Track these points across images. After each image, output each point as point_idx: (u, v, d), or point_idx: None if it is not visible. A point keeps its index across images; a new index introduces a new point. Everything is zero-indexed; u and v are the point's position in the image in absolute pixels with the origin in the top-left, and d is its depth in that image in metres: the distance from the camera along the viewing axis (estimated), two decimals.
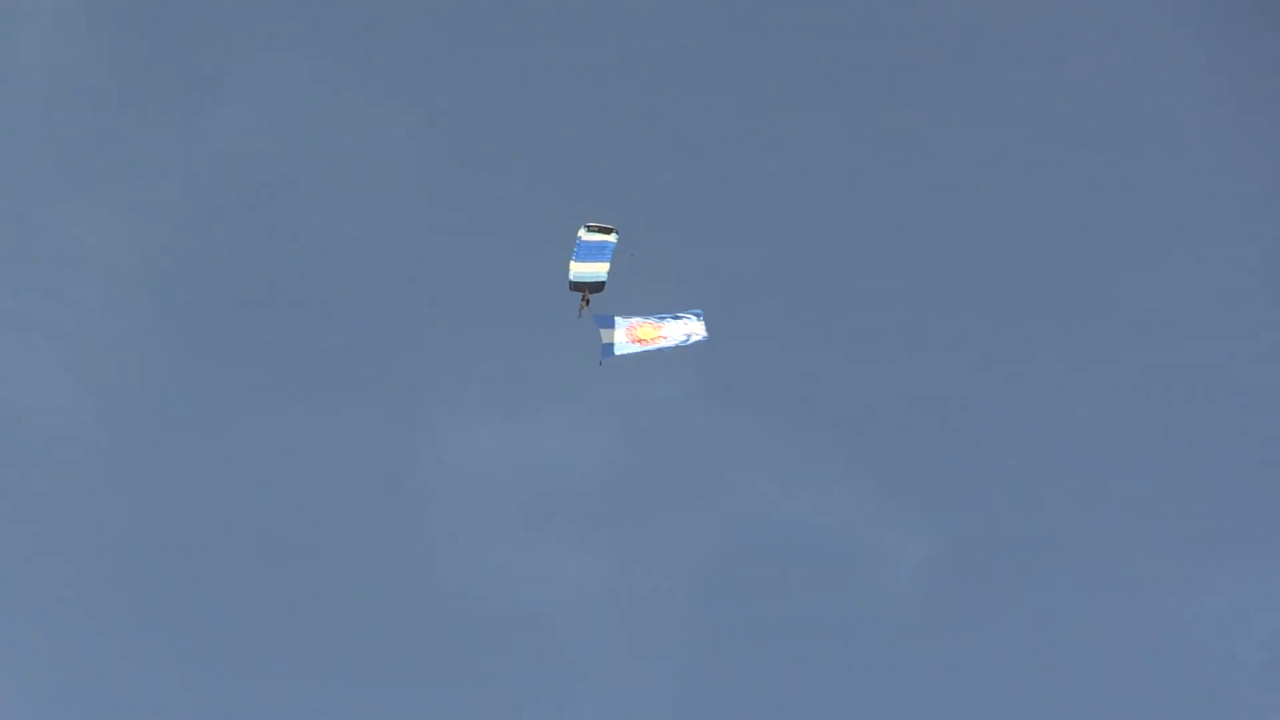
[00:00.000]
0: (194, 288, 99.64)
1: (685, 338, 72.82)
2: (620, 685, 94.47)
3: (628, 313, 72.41)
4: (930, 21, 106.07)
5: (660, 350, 72.46)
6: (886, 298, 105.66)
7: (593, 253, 71.39)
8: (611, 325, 72.10)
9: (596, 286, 71.77)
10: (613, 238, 71.43)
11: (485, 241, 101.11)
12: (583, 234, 71.27)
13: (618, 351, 71.88)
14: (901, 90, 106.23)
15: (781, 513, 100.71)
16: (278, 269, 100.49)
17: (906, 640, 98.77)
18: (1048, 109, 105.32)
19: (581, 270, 71.53)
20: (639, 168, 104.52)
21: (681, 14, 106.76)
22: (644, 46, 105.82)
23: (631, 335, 72.20)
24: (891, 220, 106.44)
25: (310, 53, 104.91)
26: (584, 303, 72.15)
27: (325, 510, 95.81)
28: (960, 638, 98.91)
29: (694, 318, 73.33)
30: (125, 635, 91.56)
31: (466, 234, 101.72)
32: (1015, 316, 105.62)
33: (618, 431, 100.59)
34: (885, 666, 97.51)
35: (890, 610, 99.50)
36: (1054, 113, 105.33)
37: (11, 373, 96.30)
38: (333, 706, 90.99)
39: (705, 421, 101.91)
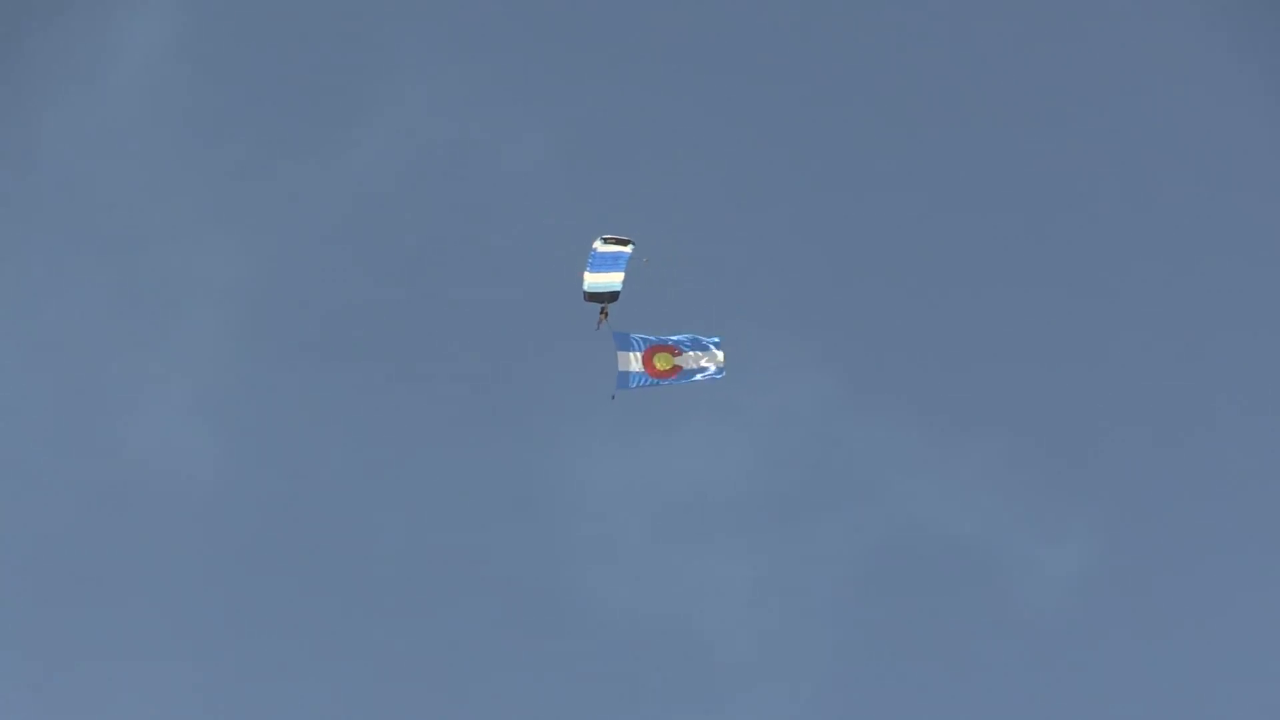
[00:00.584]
0: (323, 318, 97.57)
1: (703, 372, 71.79)
2: (766, 694, 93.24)
3: (645, 329, 71.43)
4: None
5: (676, 385, 71.21)
6: (1040, 296, 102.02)
7: (607, 263, 70.35)
8: (629, 347, 69.87)
9: (611, 296, 71.10)
10: (629, 249, 70.77)
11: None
12: (598, 245, 70.05)
13: (634, 384, 70.28)
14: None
15: (929, 519, 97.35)
16: (407, 295, 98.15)
17: (1055, 654, 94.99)
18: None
19: (596, 280, 70.30)
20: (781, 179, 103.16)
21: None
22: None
23: (649, 365, 70.79)
24: (1039, 219, 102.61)
25: (445, 78, 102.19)
26: (603, 315, 71.08)
27: (467, 532, 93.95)
28: (1112, 654, 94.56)
29: (713, 347, 71.98)
30: (273, 655, 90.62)
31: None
32: (1176, 317, 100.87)
33: (760, 440, 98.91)
34: (1033, 679, 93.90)
35: (1040, 622, 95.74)
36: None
37: (134, 408, 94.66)
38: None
39: (850, 427, 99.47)
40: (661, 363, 70.26)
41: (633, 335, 70.31)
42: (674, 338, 70.76)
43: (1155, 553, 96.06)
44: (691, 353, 70.61)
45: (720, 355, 70.64)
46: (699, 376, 70.50)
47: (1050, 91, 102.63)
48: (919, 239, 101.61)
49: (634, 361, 70.02)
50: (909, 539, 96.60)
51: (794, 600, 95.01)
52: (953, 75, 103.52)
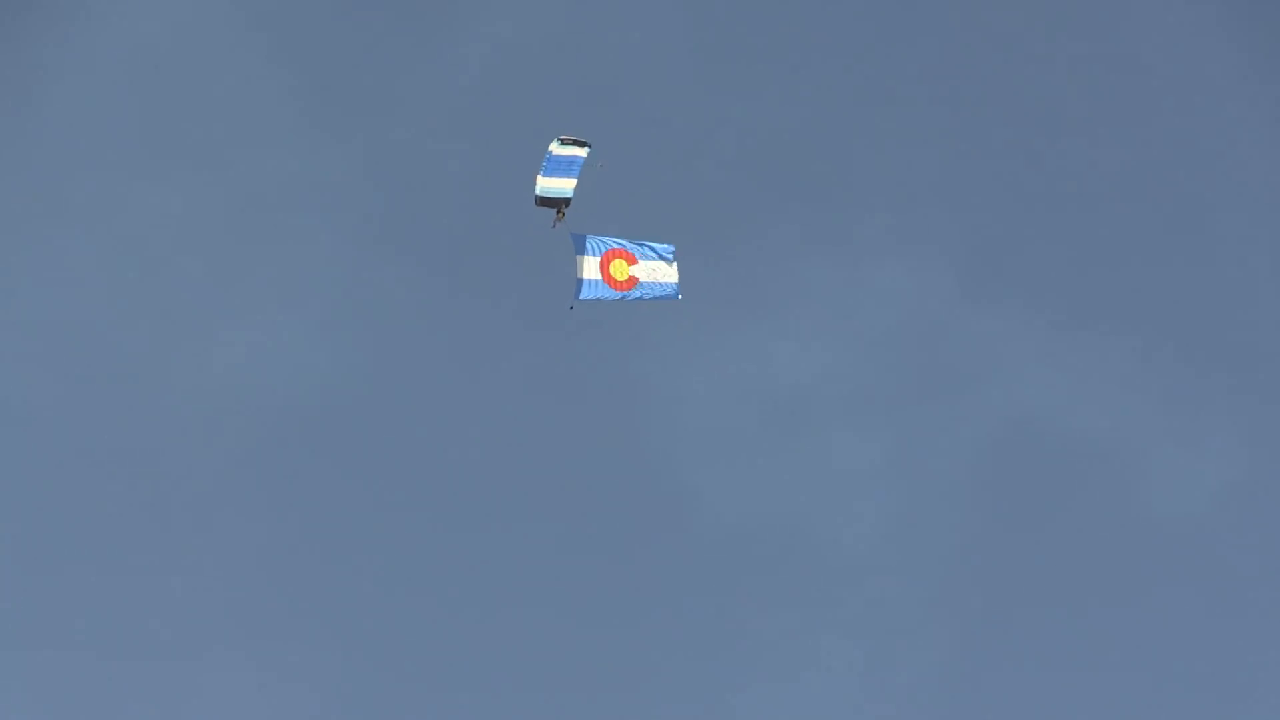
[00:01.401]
0: (435, 221, 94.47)
1: (658, 288, 68.84)
2: (884, 589, 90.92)
3: (600, 231, 69.78)
4: None
5: (633, 299, 69.54)
6: (1184, 185, 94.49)
7: (562, 167, 68.17)
8: (586, 250, 67.88)
9: (564, 202, 69.66)
10: (584, 152, 68.49)
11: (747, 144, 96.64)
12: (554, 148, 67.50)
13: (590, 294, 68.10)
14: None
15: (1058, 416, 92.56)
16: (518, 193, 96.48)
17: (1193, 563, 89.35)
18: None
19: (548, 185, 68.00)
20: None
21: None
22: None
23: (605, 273, 68.23)
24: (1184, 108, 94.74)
25: None
26: (559, 215, 69.80)
27: (585, 433, 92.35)
28: (1253, 570, 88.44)
29: (669, 258, 68.71)
30: (391, 555, 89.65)
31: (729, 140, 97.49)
32: None
33: (876, 328, 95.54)
34: (1164, 587, 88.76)
35: (1176, 528, 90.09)
36: None
37: (245, 319, 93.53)
38: (600, 625, 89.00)
39: (975, 316, 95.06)
40: (618, 271, 68.88)
41: (589, 238, 69.03)
42: (631, 242, 69.27)
43: None
44: (647, 262, 69.00)
45: (675, 268, 68.85)
46: (656, 293, 68.87)
47: None
48: (1053, 117, 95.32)
49: (591, 267, 68.80)
50: (1033, 435, 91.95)
51: (912, 493, 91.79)
52: None
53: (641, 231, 69.52)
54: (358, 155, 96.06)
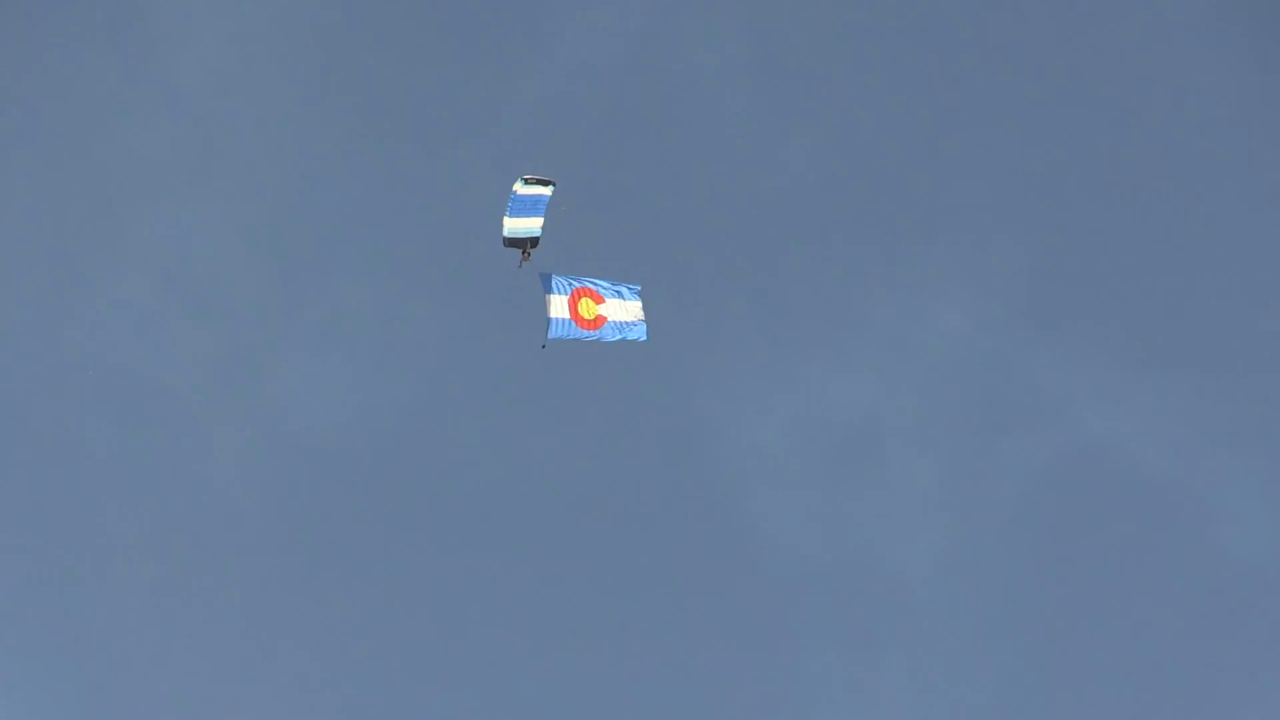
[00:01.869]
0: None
1: (624, 328, 68.54)
2: (936, 627, 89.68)
3: (566, 270, 69.65)
4: None
5: (601, 339, 69.46)
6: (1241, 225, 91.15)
7: (526, 207, 68.69)
8: (554, 290, 67.66)
9: (531, 242, 69.77)
10: (549, 191, 68.75)
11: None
12: (518, 187, 67.26)
13: (560, 334, 67.65)
14: None
15: (1119, 452, 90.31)
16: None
17: (1260, 613, 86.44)
18: None
19: (515, 226, 68.09)
20: None
21: None
22: None
23: (574, 312, 68.20)
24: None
25: None
26: (525, 255, 69.89)
27: (643, 468, 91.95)
28: None
29: (634, 296, 68.67)
30: (449, 590, 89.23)
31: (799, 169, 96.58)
32: None
33: (933, 363, 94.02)
34: (1220, 626, 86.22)
35: (1246, 575, 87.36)
36: None
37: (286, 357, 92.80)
38: (660, 655, 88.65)
39: (1035, 349, 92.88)
40: (585, 310, 68.95)
41: (555, 277, 69.23)
42: (596, 281, 69.38)
43: None
44: (614, 301, 69.00)
45: (640, 308, 68.74)
46: (624, 334, 68.91)
47: None
48: (1114, 151, 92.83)
49: (559, 306, 69.03)
50: (1096, 470, 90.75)
51: (972, 529, 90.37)
52: None
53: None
54: (411, 187, 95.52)
